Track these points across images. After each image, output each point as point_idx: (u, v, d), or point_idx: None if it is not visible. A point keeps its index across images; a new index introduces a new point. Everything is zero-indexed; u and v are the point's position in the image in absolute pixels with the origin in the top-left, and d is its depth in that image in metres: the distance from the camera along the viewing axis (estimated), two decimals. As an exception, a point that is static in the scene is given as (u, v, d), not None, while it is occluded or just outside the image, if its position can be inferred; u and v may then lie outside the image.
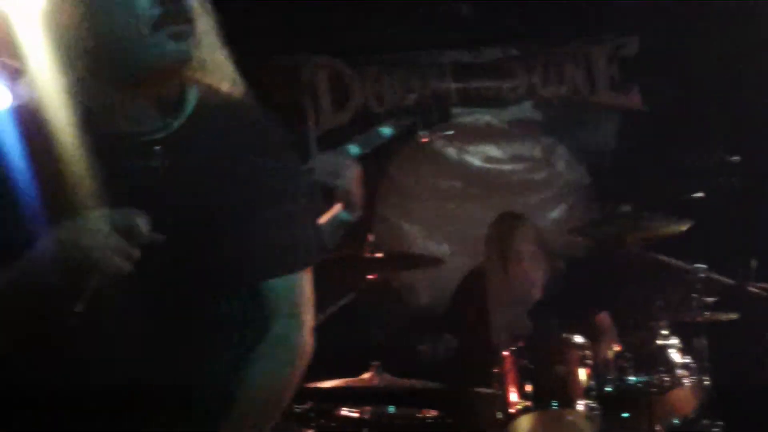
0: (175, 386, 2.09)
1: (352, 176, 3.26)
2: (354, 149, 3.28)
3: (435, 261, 5.20)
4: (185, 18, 2.07)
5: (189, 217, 2.09)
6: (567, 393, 4.09)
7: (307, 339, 2.22)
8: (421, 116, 3.45)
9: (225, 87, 2.20)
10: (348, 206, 3.26)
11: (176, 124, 2.13)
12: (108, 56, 2.07)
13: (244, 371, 2.14)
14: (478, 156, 6.20)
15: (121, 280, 1.97)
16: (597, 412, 4.05)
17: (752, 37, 5.71)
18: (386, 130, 3.38)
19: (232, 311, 2.14)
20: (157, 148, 2.10)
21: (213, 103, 2.19)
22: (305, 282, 2.23)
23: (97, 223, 1.95)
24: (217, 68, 2.18)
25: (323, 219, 3.28)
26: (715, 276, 4.64)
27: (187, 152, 2.11)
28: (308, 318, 2.23)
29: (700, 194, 5.12)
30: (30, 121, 2.12)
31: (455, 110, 6.12)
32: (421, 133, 3.56)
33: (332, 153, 3.34)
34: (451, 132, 3.48)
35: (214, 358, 2.13)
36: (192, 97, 2.17)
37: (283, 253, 2.18)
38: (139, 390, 2.05)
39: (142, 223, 1.95)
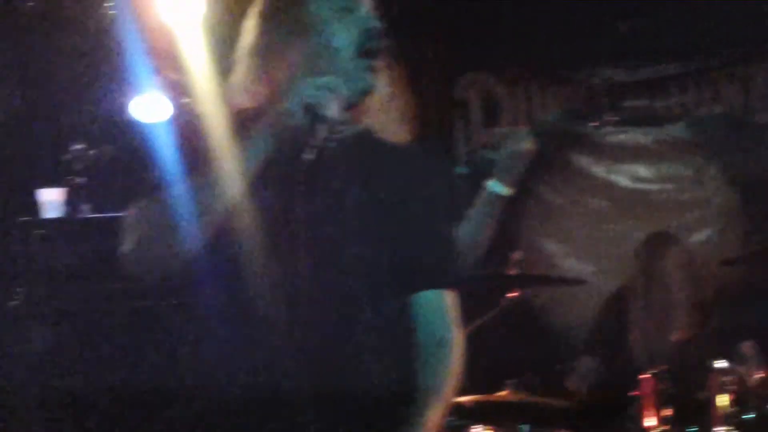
0: (333, 390, 2.18)
1: (517, 149, 3.26)
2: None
3: (577, 281, 5.19)
4: (381, 54, 2.25)
5: (337, 220, 2.21)
6: (707, 419, 4.04)
7: (460, 338, 2.30)
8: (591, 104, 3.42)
9: (386, 133, 2.33)
10: (503, 178, 3.24)
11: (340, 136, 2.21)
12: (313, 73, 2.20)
13: (414, 372, 2.23)
14: (627, 175, 6.14)
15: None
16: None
17: None
18: (554, 117, 3.38)
19: (389, 317, 2.24)
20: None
21: (369, 133, 2.33)
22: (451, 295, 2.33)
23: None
24: (382, 112, 2.32)
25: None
26: None
27: (337, 168, 2.20)
28: (457, 319, 2.31)
29: None
30: (189, 131, 2.27)
31: (606, 129, 6.11)
32: (590, 120, 3.54)
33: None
34: (617, 118, 3.45)
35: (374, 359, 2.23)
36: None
37: (427, 270, 2.28)
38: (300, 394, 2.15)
39: (331, 105, 2.07)
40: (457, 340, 2.29)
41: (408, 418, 2.22)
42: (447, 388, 2.27)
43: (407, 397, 2.23)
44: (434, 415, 2.24)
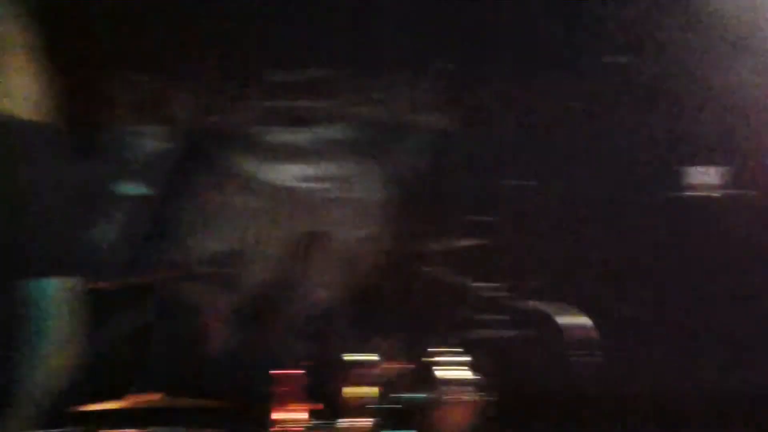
0: None
1: (158, 148, 3.22)
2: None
3: (223, 275, 5.24)
4: None
5: None
6: (349, 411, 4.13)
7: (78, 330, 2.25)
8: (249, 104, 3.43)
9: (19, 110, 2.27)
10: (141, 178, 3.21)
11: None
12: None
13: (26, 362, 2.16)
14: (285, 175, 6.20)
15: None
16: (378, 430, 4.09)
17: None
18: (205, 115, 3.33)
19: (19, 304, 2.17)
20: None
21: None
22: (76, 288, 2.27)
23: None
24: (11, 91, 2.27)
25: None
26: (503, 294, 4.73)
27: None
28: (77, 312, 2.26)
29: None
30: None
31: (264, 129, 6.13)
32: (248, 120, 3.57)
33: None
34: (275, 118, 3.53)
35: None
36: None
37: (44, 257, 2.22)
38: None
39: None
40: (72, 331, 2.25)
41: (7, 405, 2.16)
42: (56, 380, 2.22)
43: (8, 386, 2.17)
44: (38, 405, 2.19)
